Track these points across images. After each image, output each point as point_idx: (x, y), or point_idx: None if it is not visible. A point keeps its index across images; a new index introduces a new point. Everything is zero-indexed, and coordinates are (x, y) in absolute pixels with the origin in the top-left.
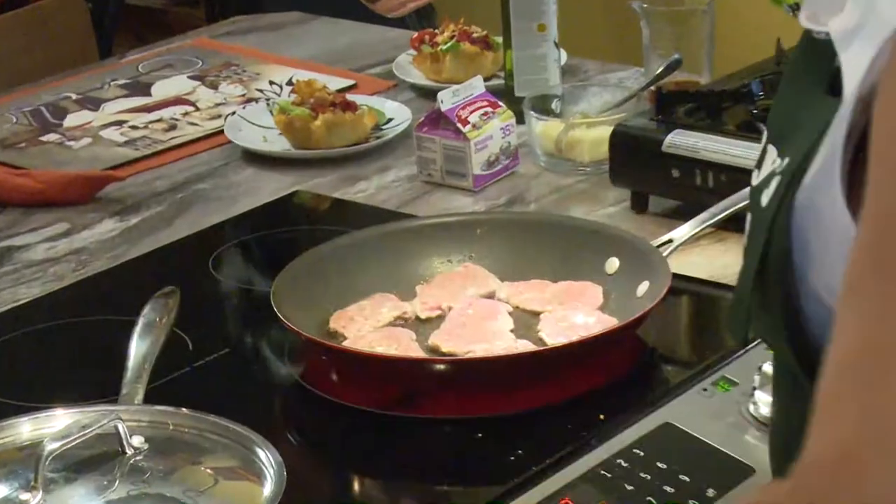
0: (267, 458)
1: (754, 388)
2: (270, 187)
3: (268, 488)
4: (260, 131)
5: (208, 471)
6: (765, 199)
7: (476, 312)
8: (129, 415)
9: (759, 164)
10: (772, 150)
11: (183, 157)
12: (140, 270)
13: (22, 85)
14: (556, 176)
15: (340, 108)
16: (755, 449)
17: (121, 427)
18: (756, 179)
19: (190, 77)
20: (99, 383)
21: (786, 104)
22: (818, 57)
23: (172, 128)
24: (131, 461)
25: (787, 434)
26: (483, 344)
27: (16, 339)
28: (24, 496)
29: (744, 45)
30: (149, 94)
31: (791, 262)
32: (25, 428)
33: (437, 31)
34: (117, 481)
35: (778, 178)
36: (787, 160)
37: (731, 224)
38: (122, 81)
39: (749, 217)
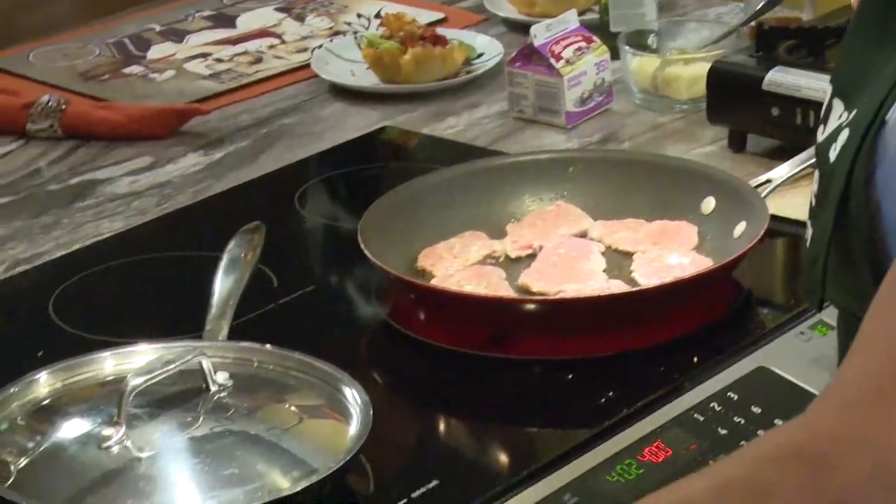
0: (353, 396)
1: None
2: (357, 122)
3: (353, 427)
4: (347, 65)
5: (293, 409)
6: (833, 153)
7: (567, 252)
8: (213, 351)
9: (825, 120)
10: (837, 105)
11: (268, 91)
12: (224, 205)
13: (104, 16)
14: (651, 114)
15: (430, 42)
16: None
17: (205, 363)
18: (821, 135)
19: (276, 9)
20: (183, 319)
21: (853, 57)
22: (888, 4)
23: (258, 61)
24: (215, 398)
25: None
26: (574, 284)
27: (98, 274)
28: (107, 431)
29: None
30: (234, 27)
31: (880, 214)
32: (108, 363)
33: None
34: (201, 418)
35: (846, 130)
36: (854, 112)
37: None
38: (206, 13)
39: (816, 174)
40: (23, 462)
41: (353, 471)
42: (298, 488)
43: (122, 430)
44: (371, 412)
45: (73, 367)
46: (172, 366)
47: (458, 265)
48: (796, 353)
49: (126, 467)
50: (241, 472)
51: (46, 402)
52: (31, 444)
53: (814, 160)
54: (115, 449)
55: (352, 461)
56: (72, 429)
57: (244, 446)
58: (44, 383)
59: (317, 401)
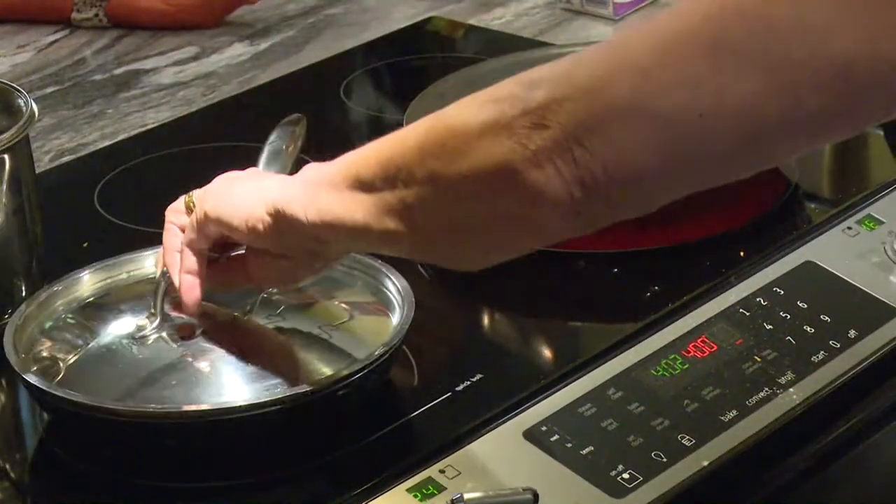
0: (396, 288)
1: None
2: (404, 13)
3: (395, 318)
4: None
5: (343, 305)
6: None
7: None
8: None
9: None
10: None
11: None
12: (270, 96)
13: None
14: None
15: None
16: None
17: None
18: None
19: None
20: None
21: None
22: None
23: None
24: (263, 294)
25: None
26: None
27: (144, 164)
28: (142, 322)
29: None
30: None
31: None
32: (150, 262)
33: None
34: (250, 315)
35: None
36: None
37: None
38: None
39: None
40: (72, 359)
41: (398, 365)
42: (336, 380)
43: (157, 321)
44: (413, 303)
45: (117, 266)
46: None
47: None
48: (843, 248)
49: (177, 363)
50: (291, 367)
51: (91, 299)
52: (80, 342)
53: None
54: (151, 341)
55: (392, 353)
56: (119, 325)
57: (296, 342)
58: (87, 281)
59: (365, 297)
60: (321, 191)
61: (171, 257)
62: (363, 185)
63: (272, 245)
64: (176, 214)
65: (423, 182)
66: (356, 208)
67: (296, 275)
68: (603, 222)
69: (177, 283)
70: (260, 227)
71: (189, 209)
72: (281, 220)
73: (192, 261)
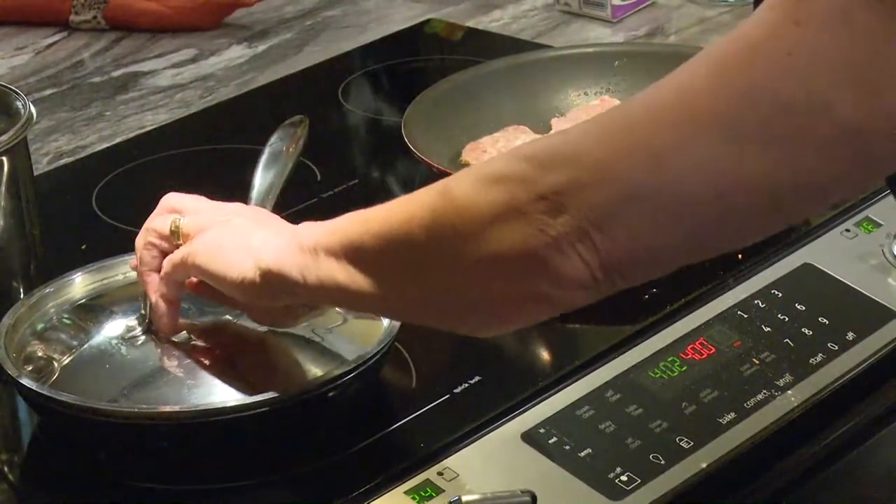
0: None
1: None
2: (402, 15)
3: (386, 321)
4: None
5: (337, 309)
6: None
7: None
8: None
9: None
10: None
11: None
12: (268, 98)
13: None
14: (698, 7)
15: None
16: None
17: None
18: None
19: None
20: None
21: None
22: None
23: None
24: None
25: None
26: None
27: (142, 167)
28: (132, 323)
29: None
30: None
31: None
32: None
33: None
34: (243, 317)
35: None
36: None
37: None
38: None
39: None
40: (65, 360)
41: (397, 367)
42: (326, 381)
43: (147, 322)
44: None
45: (109, 268)
46: None
47: None
48: (841, 251)
49: (168, 364)
50: (282, 369)
51: (83, 301)
52: (73, 343)
53: None
54: (141, 342)
55: (382, 355)
56: (112, 327)
57: (288, 345)
58: (79, 283)
59: None
60: (321, 258)
61: (149, 276)
62: (366, 258)
63: (266, 302)
64: (158, 237)
65: (434, 264)
66: (359, 279)
67: (289, 322)
68: (619, 289)
69: (153, 300)
70: (252, 288)
71: (174, 235)
72: (275, 283)
73: (170, 291)
